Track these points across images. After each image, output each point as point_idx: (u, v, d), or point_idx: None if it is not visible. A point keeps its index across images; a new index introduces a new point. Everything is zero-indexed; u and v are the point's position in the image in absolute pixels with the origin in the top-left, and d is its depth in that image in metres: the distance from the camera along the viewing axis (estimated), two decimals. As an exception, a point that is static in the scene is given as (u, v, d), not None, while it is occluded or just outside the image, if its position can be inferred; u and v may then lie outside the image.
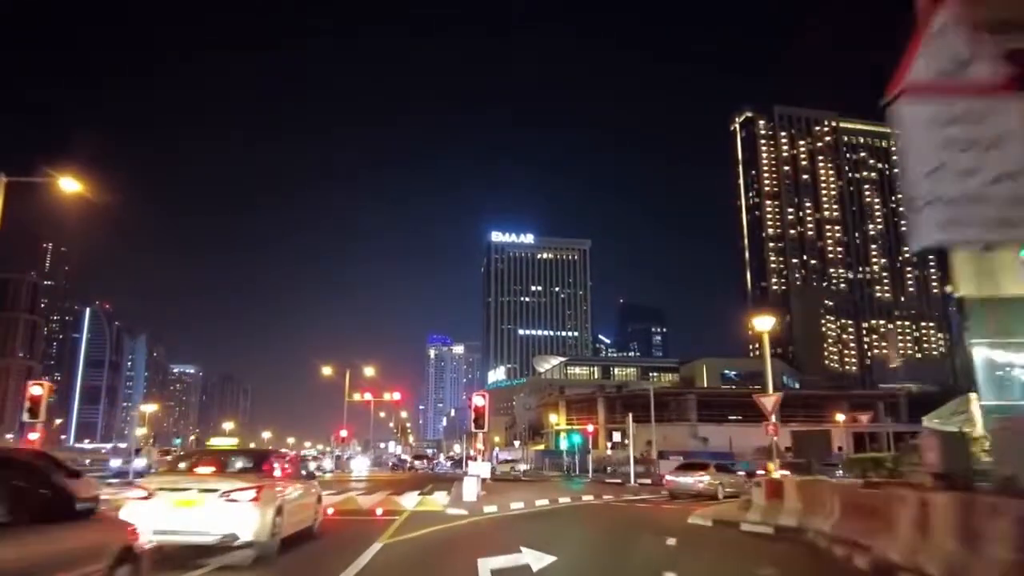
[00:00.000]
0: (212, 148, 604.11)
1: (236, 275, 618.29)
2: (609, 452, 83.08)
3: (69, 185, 20.34)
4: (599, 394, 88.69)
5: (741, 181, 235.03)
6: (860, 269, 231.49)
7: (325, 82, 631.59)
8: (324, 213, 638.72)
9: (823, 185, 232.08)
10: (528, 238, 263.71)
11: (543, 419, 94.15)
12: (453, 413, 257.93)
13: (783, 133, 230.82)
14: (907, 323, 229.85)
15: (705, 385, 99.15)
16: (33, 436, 21.51)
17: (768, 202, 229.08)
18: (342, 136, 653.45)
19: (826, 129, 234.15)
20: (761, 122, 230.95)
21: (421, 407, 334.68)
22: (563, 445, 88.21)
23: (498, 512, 21.81)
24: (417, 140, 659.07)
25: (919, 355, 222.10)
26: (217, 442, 72.41)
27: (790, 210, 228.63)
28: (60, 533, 5.67)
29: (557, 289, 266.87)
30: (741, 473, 34.42)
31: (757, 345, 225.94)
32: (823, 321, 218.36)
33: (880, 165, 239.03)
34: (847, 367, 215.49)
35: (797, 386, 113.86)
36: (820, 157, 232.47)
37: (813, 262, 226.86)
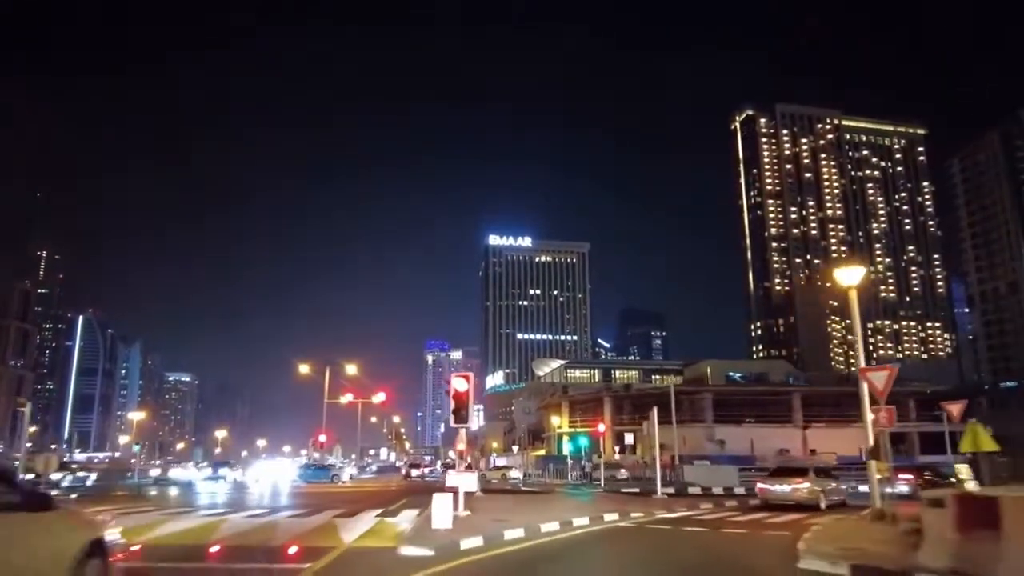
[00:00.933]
0: (210, 155, 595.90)
1: (234, 284, 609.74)
2: (617, 456, 74.79)
3: None
4: (606, 393, 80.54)
5: (743, 180, 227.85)
6: (864, 269, 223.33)
7: (322, 84, 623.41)
8: (321, 220, 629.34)
9: (826, 183, 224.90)
10: (526, 241, 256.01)
11: (544, 422, 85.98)
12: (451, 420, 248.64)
13: (785, 131, 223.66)
14: (913, 323, 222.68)
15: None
16: None
17: (770, 201, 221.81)
18: (340, 142, 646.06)
19: (828, 127, 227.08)
20: (762, 120, 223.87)
21: (419, 414, 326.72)
22: (567, 449, 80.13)
23: (484, 547, 13.83)
24: (414, 143, 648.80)
25: (925, 355, 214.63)
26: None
27: (792, 209, 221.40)
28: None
29: (556, 293, 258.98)
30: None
31: (761, 347, 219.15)
32: (828, 322, 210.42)
33: (883, 163, 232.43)
34: (853, 368, 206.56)
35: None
36: (822, 155, 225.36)
37: (817, 262, 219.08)
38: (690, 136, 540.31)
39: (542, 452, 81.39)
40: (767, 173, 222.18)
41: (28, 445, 63.20)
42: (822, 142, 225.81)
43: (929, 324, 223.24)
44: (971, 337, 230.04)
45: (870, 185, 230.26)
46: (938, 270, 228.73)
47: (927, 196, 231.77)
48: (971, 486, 14.11)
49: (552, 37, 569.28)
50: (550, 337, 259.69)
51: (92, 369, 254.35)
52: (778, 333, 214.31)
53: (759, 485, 28.13)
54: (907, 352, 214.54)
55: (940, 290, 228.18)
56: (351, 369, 63.14)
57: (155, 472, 64.25)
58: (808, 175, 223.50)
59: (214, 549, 13.26)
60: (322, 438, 62.17)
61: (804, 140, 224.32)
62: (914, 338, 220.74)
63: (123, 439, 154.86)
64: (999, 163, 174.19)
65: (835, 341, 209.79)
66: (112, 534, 7.81)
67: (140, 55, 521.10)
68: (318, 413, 60.87)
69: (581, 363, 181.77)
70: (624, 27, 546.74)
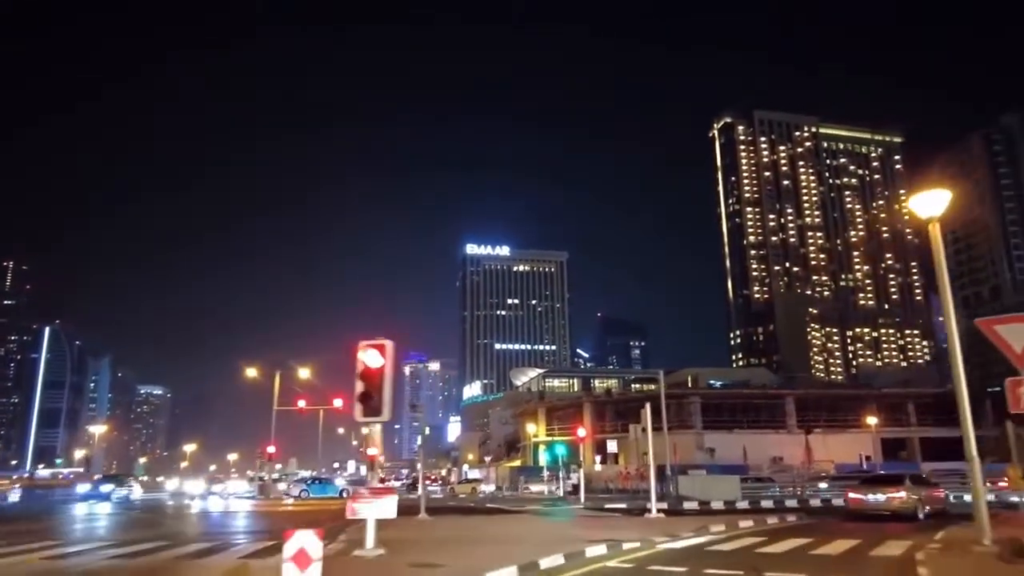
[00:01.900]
0: (183, 166, 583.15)
1: (211, 297, 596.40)
2: (598, 467, 68.10)
3: None
4: (586, 399, 73.95)
5: (721, 188, 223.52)
6: (843, 276, 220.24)
7: (295, 96, 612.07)
8: (296, 231, 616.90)
9: (804, 191, 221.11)
10: (504, 250, 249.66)
11: (520, 431, 79.12)
12: (428, 431, 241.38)
13: (763, 138, 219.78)
14: (891, 330, 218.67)
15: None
16: None
17: (749, 209, 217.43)
18: (314, 151, 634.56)
19: (806, 134, 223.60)
20: (740, 127, 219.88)
21: (396, 426, 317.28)
22: (543, 459, 73.47)
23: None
24: (390, 153, 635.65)
25: (904, 363, 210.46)
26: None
27: (771, 216, 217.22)
28: None
29: (534, 302, 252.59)
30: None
31: (741, 355, 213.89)
32: (808, 329, 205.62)
33: (861, 171, 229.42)
34: (832, 376, 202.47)
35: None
36: (801, 163, 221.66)
37: (796, 269, 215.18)
38: (670, 144, 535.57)
39: (517, 463, 74.57)
40: (746, 180, 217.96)
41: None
42: (800, 149, 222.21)
43: (908, 331, 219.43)
44: (945, 346, 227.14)
45: (848, 193, 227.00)
46: (916, 277, 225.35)
47: (905, 203, 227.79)
48: None
49: (528, 49, 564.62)
50: (528, 347, 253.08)
51: (59, 382, 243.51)
52: (758, 341, 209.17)
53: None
54: (886, 359, 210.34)
55: (918, 298, 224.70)
56: (304, 373, 56.22)
57: (84, 488, 56.70)
58: (786, 182, 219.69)
59: None
60: (270, 449, 54.87)
61: (782, 147, 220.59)
62: (893, 345, 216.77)
63: (79, 453, 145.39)
64: (980, 168, 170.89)
65: (815, 348, 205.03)
66: None
67: (111, 72, 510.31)
68: (309, 426, 53.93)
69: (560, 372, 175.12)
70: (602, 35, 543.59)
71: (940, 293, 13.91)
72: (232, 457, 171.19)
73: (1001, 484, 32.65)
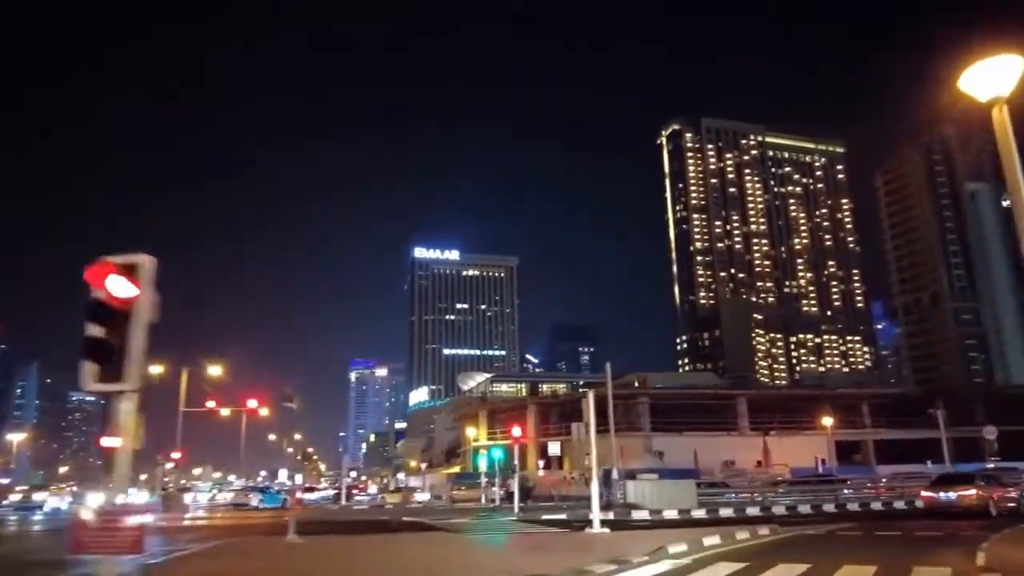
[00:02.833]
0: (125, 165, 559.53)
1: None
2: (541, 472, 63.17)
3: None
4: (531, 400, 69.01)
5: (669, 194, 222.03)
6: (788, 283, 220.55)
7: (234, 95, 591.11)
8: (240, 234, 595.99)
9: (750, 198, 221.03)
10: (453, 254, 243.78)
11: (461, 436, 73.63)
12: (373, 438, 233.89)
13: (710, 146, 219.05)
14: (834, 337, 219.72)
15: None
16: None
17: (696, 215, 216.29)
18: (259, 155, 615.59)
19: (753, 143, 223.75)
20: (688, 135, 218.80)
21: (342, 434, 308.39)
22: (483, 465, 68.30)
23: None
24: (338, 153, 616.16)
25: (846, 368, 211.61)
26: None
27: (718, 223, 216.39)
28: None
29: (484, 307, 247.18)
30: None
31: (687, 360, 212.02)
32: (753, 335, 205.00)
33: (805, 180, 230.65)
34: (776, 381, 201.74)
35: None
36: (747, 170, 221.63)
37: (741, 275, 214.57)
38: (620, 150, 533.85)
39: (456, 469, 69.09)
40: (693, 187, 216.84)
41: None
42: (746, 157, 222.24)
43: (849, 338, 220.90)
44: (884, 352, 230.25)
45: (792, 201, 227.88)
46: (857, 285, 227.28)
47: (847, 212, 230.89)
48: None
49: (478, 50, 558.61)
50: (478, 352, 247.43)
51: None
52: (704, 347, 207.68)
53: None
54: (829, 365, 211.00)
55: (860, 304, 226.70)
56: (215, 371, 49.71)
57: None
58: (733, 190, 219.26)
59: None
60: (175, 455, 48.33)
61: (729, 155, 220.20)
62: (835, 351, 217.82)
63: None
64: (919, 177, 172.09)
65: (760, 354, 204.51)
66: None
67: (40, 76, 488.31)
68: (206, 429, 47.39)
69: (508, 376, 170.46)
70: (553, 40, 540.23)
71: (1011, 189, 9.00)
72: (169, 466, 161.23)
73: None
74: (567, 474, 63.25)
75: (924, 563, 11.78)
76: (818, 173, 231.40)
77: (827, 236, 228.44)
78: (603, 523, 21.14)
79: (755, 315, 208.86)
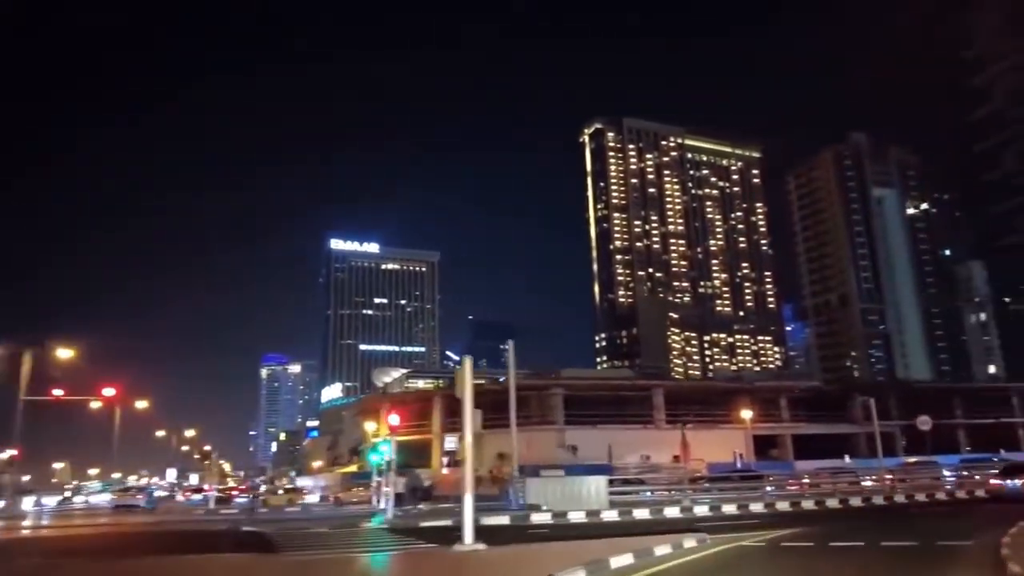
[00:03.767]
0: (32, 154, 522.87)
1: (69, 299, 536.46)
2: (445, 470, 57.76)
3: None
4: (437, 392, 63.51)
5: (591, 193, 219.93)
6: (703, 283, 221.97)
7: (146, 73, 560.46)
8: (150, 226, 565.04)
9: (669, 199, 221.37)
10: (373, 247, 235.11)
11: (362, 432, 67.45)
12: (284, 437, 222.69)
13: (632, 146, 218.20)
14: (746, 336, 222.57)
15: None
16: None
17: (617, 214, 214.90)
18: (171, 145, 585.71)
19: (672, 145, 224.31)
20: (611, 134, 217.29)
21: (252, 433, 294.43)
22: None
23: None
24: (255, 142, 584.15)
25: (757, 367, 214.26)
26: None
27: (637, 223, 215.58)
28: None
29: (403, 302, 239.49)
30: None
31: (605, 358, 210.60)
32: (669, 333, 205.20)
33: (722, 183, 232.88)
34: (691, 379, 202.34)
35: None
36: (666, 172, 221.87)
37: (659, 275, 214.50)
38: (545, 148, 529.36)
39: (354, 468, 62.95)
40: (614, 186, 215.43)
41: None
42: (666, 159, 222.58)
43: (761, 338, 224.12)
44: (793, 353, 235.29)
45: (709, 203, 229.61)
46: (769, 287, 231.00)
47: (760, 216, 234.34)
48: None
49: (408, 42, 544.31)
50: (396, 349, 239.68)
51: None
52: (622, 344, 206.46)
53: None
54: (741, 364, 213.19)
55: (771, 305, 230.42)
56: (64, 354, 42.21)
57: None
58: (652, 190, 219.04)
59: None
60: (10, 452, 40.72)
61: (650, 156, 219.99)
62: (747, 351, 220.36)
63: None
64: (831, 181, 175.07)
65: (675, 352, 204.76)
66: None
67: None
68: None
69: (425, 372, 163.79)
70: (475, 35, 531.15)
71: None
72: (58, 466, 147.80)
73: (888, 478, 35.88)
74: (475, 470, 58.21)
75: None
76: (734, 177, 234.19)
77: (741, 239, 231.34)
78: (491, 531, 15.98)
79: (671, 314, 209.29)
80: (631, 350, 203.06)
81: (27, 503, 45.16)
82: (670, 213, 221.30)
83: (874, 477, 40.21)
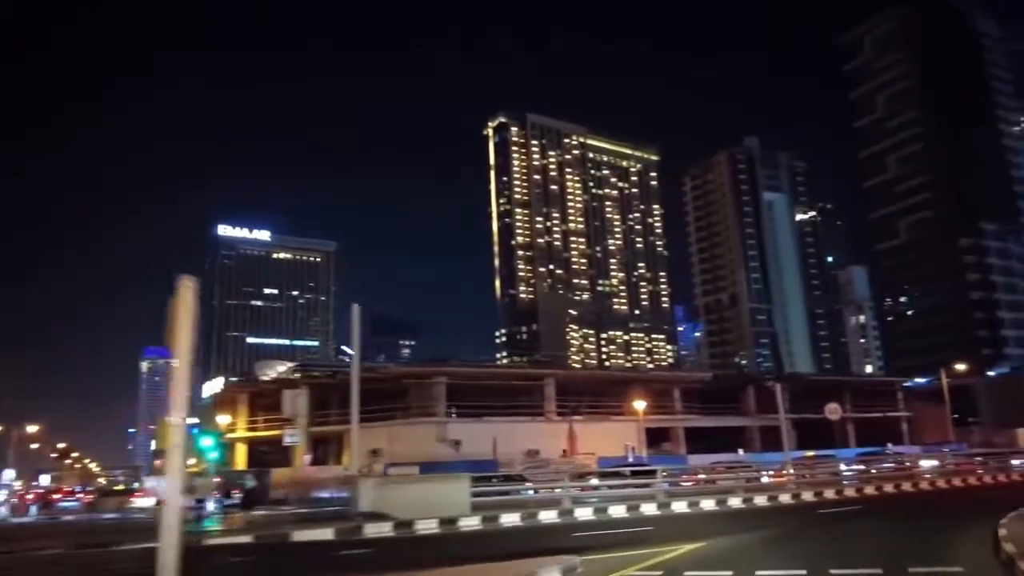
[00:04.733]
0: None
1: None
2: (310, 467, 50.63)
3: None
4: (303, 382, 56.38)
5: (493, 187, 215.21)
6: (601, 281, 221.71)
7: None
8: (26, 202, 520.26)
9: (570, 197, 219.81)
10: (264, 235, 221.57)
11: (215, 425, 59.36)
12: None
13: (535, 142, 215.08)
14: (640, 335, 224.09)
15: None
16: None
17: (519, 210, 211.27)
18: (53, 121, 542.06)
19: (575, 143, 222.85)
20: (514, 129, 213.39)
21: (132, 430, 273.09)
22: (241, 460, 55.28)
23: None
24: (134, 125, 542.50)
25: (651, 364, 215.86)
26: None
27: (539, 219, 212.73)
28: None
29: (296, 293, 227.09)
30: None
31: (505, 354, 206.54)
32: (568, 330, 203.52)
33: (621, 184, 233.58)
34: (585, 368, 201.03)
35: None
36: (568, 170, 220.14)
37: (559, 272, 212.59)
38: (448, 142, 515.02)
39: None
40: (517, 182, 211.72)
41: None
42: (568, 157, 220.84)
43: (654, 336, 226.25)
44: (684, 352, 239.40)
45: (609, 203, 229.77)
46: (664, 287, 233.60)
47: (657, 218, 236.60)
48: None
49: (306, 28, 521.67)
50: (287, 342, 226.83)
51: None
52: (522, 340, 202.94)
53: None
54: (635, 361, 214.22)
55: (665, 305, 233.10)
56: None
57: None
58: (555, 187, 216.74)
59: None
60: None
61: (553, 153, 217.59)
62: (642, 348, 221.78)
63: None
64: (725, 183, 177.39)
65: (573, 348, 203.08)
66: None
67: None
68: None
69: (314, 366, 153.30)
70: (382, 25, 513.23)
71: None
72: None
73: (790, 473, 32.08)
74: (344, 469, 51.68)
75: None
76: (633, 178, 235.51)
77: (639, 239, 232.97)
78: (293, 551, 9.88)
79: (571, 311, 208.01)
80: (531, 346, 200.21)
81: None
82: (571, 211, 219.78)
83: (772, 472, 36.49)
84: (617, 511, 22.35)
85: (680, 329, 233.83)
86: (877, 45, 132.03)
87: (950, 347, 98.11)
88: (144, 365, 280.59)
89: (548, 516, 21.15)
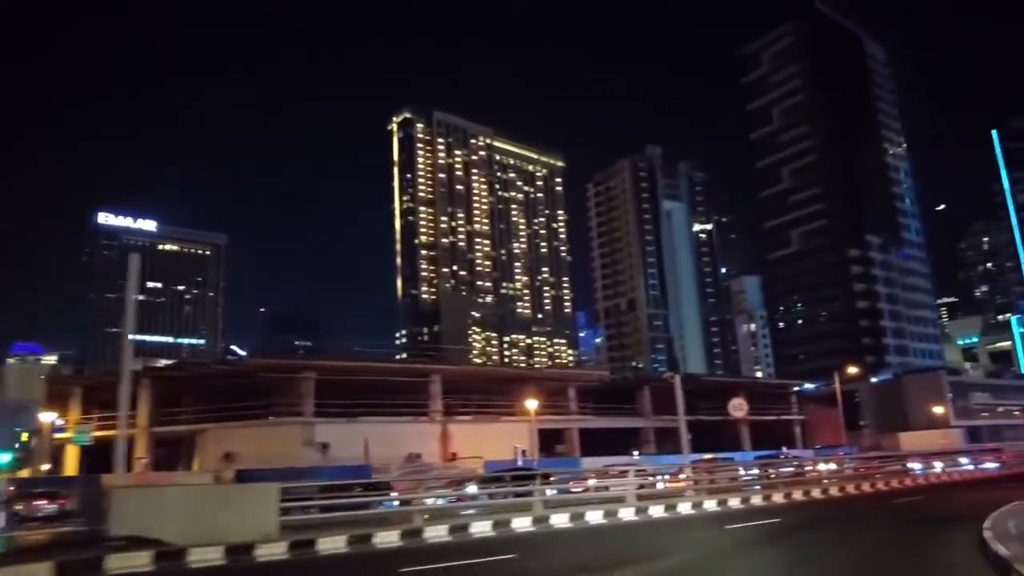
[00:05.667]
0: None
1: None
2: (152, 473, 43.55)
3: None
4: (147, 374, 48.81)
5: (397, 184, 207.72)
6: (505, 285, 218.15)
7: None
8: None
9: (476, 198, 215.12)
10: (149, 225, 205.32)
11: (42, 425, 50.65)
12: (26, 437, 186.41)
13: (441, 140, 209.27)
14: (543, 339, 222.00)
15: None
16: None
17: (423, 208, 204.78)
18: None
19: (481, 144, 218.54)
20: (420, 125, 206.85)
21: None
22: (72, 464, 47.58)
23: None
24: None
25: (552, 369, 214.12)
26: None
27: (444, 219, 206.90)
28: None
29: (182, 288, 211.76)
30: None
31: (406, 355, 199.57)
32: (470, 332, 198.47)
33: (527, 188, 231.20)
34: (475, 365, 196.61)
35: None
36: (474, 170, 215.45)
37: (463, 273, 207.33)
38: (352, 135, 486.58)
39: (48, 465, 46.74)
40: (422, 179, 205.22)
41: None
42: (475, 157, 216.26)
43: (556, 340, 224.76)
44: (584, 358, 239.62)
45: (514, 206, 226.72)
46: (567, 292, 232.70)
47: (562, 224, 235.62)
48: None
49: (209, 23, 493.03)
50: (171, 340, 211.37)
51: None
52: (423, 342, 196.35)
53: None
54: (537, 365, 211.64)
55: (567, 310, 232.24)
56: None
57: None
58: (460, 187, 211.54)
59: None
60: None
61: (459, 152, 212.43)
62: (543, 352, 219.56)
63: None
64: (627, 190, 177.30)
65: (475, 351, 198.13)
66: None
67: None
68: None
69: (194, 363, 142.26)
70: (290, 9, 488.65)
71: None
72: None
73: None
74: (195, 474, 44.67)
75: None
76: (539, 183, 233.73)
77: (543, 244, 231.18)
78: None
79: (474, 313, 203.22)
80: (432, 348, 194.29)
81: None
82: (476, 212, 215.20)
83: (669, 477, 32.51)
84: (481, 528, 17.33)
85: (582, 335, 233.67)
86: (774, 59, 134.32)
87: (836, 354, 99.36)
88: (12, 362, 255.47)
89: (387, 538, 15.85)
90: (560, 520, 18.92)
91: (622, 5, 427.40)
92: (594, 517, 19.63)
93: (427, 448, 48.84)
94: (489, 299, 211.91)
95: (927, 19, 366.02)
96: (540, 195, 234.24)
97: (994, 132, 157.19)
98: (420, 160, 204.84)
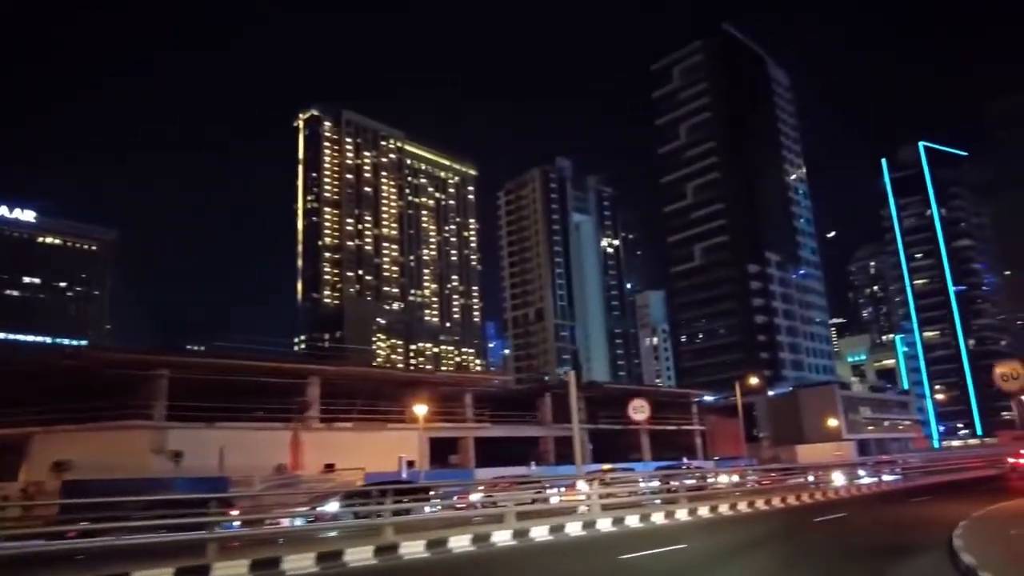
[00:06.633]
0: None
1: None
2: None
3: None
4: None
5: (301, 182, 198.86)
6: (413, 291, 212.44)
7: None
8: None
9: (385, 202, 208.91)
10: (27, 215, 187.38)
11: None
12: None
13: (349, 140, 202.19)
14: (451, 348, 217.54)
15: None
16: None
17: (328, 209, 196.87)
18: None
19: (392, 146, 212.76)
20: (327, 123, 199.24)
21: None
22: None
23: None
24: None
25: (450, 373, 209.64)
26: None
27: (350, 221, 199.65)
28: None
29: (63, 285, 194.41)
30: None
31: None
32: (375, 339, 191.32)
33: (438, 195, 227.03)
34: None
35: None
36: (384, 173, 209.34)
37: (369, 278, 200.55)
38: (258, 132, 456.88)
39: None
40: (327, 179, 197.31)
41: None
42: (384, 160, 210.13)
43: (464, 350, 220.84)
44: (493, 369, 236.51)
45: (425, 212, 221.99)
46: (476, 301, 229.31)
47: (473, 232, 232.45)
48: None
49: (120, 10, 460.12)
50: (51, 340, 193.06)
51: None
52: (324, 348, 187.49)
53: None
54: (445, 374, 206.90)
55: (476, 319, 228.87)
56: None
57: None
58: (368, 190, 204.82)
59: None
60: None
61: (368, 154, 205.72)
62: (451, 361, 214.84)
63: None
64: (537, 201, 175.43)
65: (380, 358, 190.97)
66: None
67: None
68: None
69: (21, 360, 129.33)
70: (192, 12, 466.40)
71: None
72: None
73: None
74: (22, 487, 37.72)
75: None
76: (451, 190, 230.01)
77: (453, 252, 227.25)
78: None
79: (379, 319, 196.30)
80: (334, 354, 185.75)
81: None
82: (385, 216, 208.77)
83: (564, 489, 28.86)
84: (300, 564, 12.79)
85: (491, 345, 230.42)
86: (684, 75, 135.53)
87: (735, 367, 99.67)
88: None
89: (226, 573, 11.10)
90: (413, 548, 14.60)
91: (539, 16, 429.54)
92: (460, 542, 15.43)
93: (302, 458, 43.39)
94: (396, 306, 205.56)
95: (827, 51, 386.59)
96: (452, 202, 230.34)
97: (883, 161, 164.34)
98: (327, 159, 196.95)
